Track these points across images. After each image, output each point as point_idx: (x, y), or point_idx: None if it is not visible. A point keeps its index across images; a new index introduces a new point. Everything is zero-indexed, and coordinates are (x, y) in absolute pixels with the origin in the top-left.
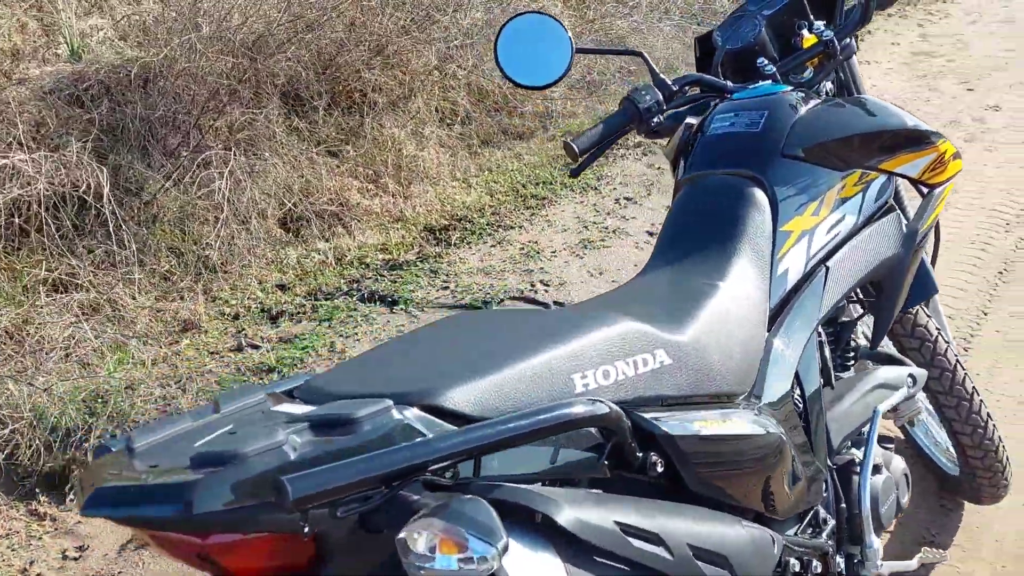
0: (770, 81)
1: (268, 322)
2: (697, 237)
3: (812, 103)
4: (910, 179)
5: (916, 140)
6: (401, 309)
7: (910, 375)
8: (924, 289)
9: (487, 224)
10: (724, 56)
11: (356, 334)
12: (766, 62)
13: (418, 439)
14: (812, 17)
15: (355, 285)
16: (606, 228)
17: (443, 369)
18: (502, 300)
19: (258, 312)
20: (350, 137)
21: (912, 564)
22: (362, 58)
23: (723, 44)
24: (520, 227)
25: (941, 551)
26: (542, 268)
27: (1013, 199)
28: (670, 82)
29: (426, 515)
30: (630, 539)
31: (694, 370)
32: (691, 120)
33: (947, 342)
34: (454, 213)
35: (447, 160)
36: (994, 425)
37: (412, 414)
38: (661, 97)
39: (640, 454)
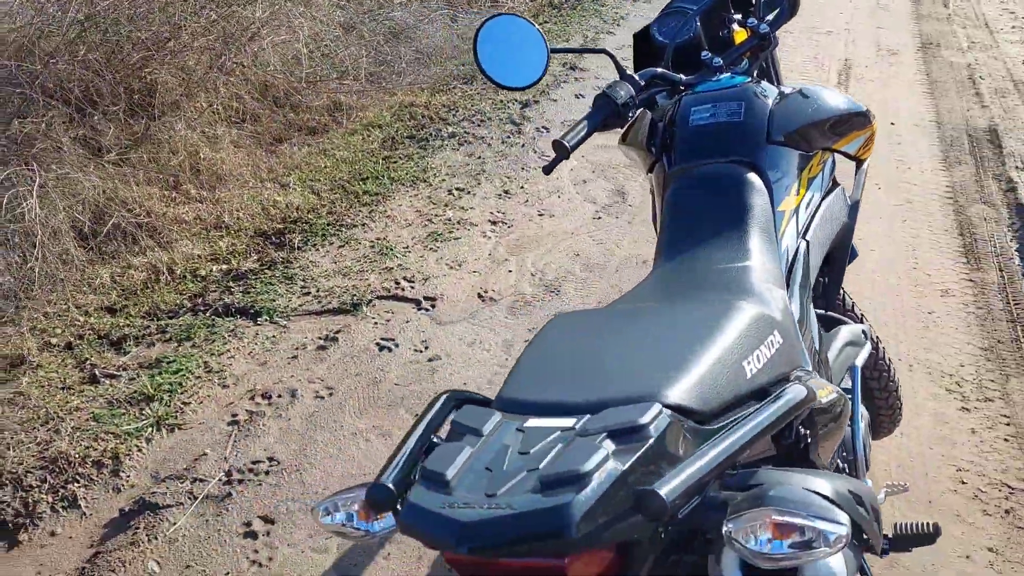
0: (728, 74)
1: (110, 348)
2: (710, 223)
3: (774, 93)
4: (849, 155)
5: (861, 121)
6: (266, 320)
7: (863, 331)
8: (853, 252)
9: (327, 224)
10: (659, 47)
11: (229, 351)
12: (711, 55)
13: (718, 436)
14: (733, 12)
15: (199, 300)
16: (449, 220)
17: (650, 370)
18: (370, 300)
19: (94, 339)
20: (141, 142)
21: (881, 497)
22: (143, 55)
23: (672, 40)
24: (362, 225)
25: (902, 484)
26: (400, 265)
27: None
28: (636, 77)
29: (747, 507)
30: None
31: (790, 346)
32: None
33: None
34: (283, 216)
35: (245, 160)
36: (895, 369)
37: (670, 415)
38: (634, 92)
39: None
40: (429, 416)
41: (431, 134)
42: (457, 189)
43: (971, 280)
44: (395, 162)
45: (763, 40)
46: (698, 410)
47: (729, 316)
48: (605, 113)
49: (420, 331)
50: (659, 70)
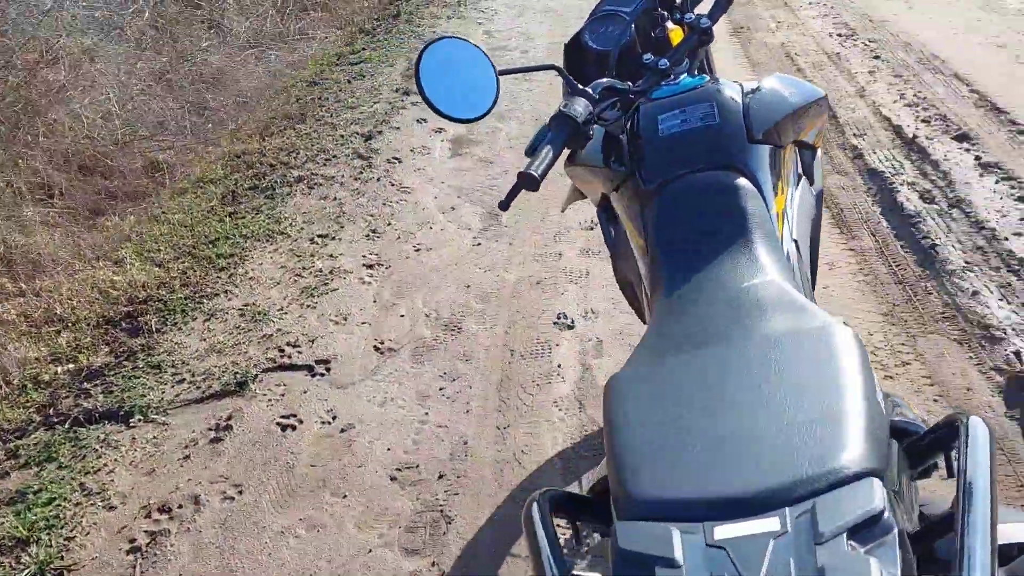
0: (685, 75)
1: None
2: (711, 238)
3: (738, 89)
4: (809, 145)
5: (822, 107)
6: (141, 420)
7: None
8: None
9: (184, 299)
10: (596, 56)
11: (105, 465)
12: (655, 58)
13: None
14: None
15: (51, 411)
16: (320, 271)
17: (808, 432)
18: (256, 376)
19: None
20: None
21: None
22: None
23: (615, 46)
24: (224, 292)
25: None
26: (279, 329)
27: None
28: (590, 90)
29: None
30: None
31: None
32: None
33: None
34: (128, 297)
35: (63, 241)
36: None
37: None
38: (591, 106)
39: None
40: (544, 537)
41: (275, 182)
42: (319, 236)
43: (851, 249)
44: (242, 218)
45: (704, 35)
46: (883, 468)
47: (830, 343)
48: (567, 133)
49: (322, 400)
50: (607, 80)
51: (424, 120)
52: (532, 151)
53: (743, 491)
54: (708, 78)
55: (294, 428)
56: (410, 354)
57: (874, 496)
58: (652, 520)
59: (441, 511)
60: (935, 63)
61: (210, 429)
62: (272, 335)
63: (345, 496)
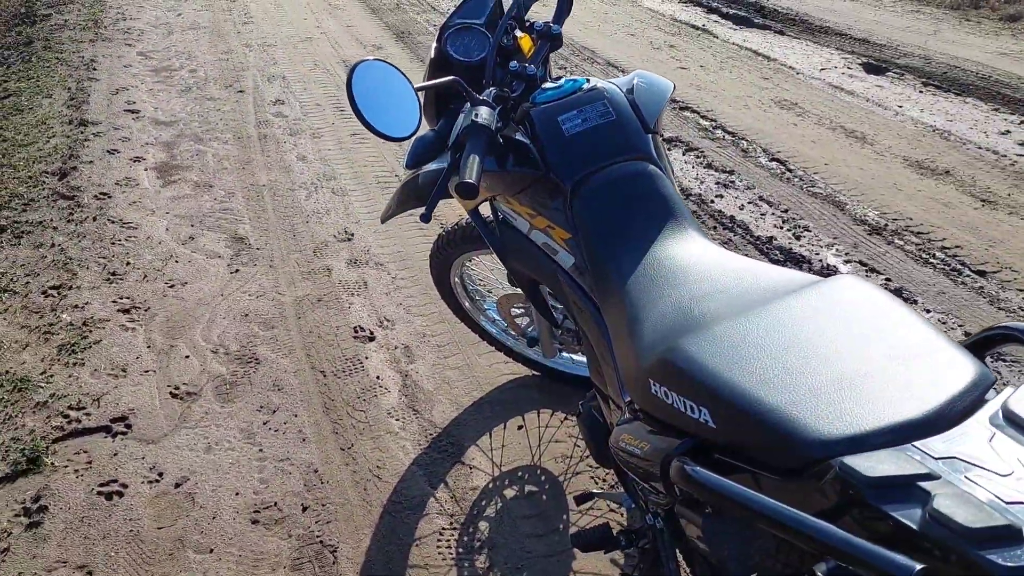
0: (563, 79)
1: None
2: (646, 222)
3: (616, 89)
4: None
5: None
6: None
7: None
8: None
9: None
10: (466, 68)
11: None
12: (524, 65)
13: None
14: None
15: None
16: (71, 324)
17: (928, 371)
18: (48, 448)
19: None
20: None
21: None
22: None
23: (491, 55)
24: None
25: None
26: (54, 395)
27: None
28: (488, 99)
29: None
30: None
31: None
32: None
33: None
34: None
35: None
36: None
37: None
38: (496, 113)
39: None
40: (722, 480)
41: None
42: (53, 288)
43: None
44: None
45: (556, 40)
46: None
47: (855, 294)
48: (485, 140)
49: (138, 459)
50: (494, 89)
51: (116, 151)
52: (459, 165)
53: (920, 413)
54: (585, 80)
55: (120, 494)
56: (214, 394)
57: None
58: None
59: (321, 542)
60: (586, 53)
61: (18, 515)
62: (47, 402)
63: (211, 551)
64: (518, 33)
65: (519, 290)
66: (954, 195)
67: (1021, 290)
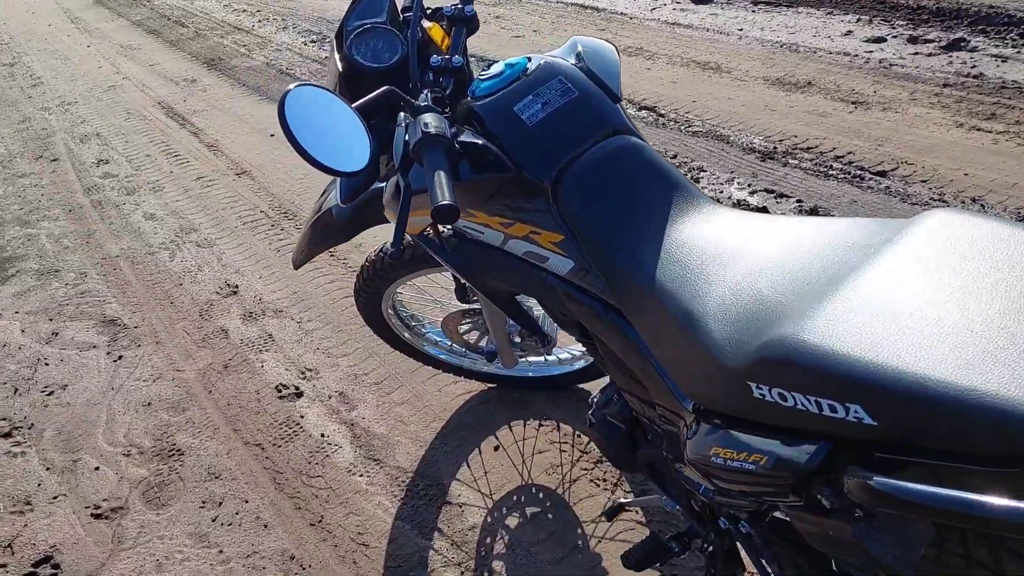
0: (500, 63)
1: None
2: (649, 202)
3: (562, 61)
4: None
5: None
6: None
7: None
8: None
9: None
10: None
11: None
12: (447, 57)
13: None
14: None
15: None
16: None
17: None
18: None
19: None
20: None
21: None
22: None
23: (411, 54)
24: None
25: None
26: None
27: None
28: (430, 105)
29: None
30: None
31: None
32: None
33: None
34: None
35: None
36: None
37: None
38: (446, 119)
39: None
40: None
41: None
42: None
43: None
44: None
45: (472, 22)
46: None
47: (959, 223)
48: (441, 152)
49: None
50: (427, 92)
51: None
52: (428, 188)
53: None
54: (526, 59)
55: None
56: (143, 503)
57: None
58: None
59: None
60: None
61: None
62: None
63: None
64: (425, 23)
65: (464, 306)
66: (826, 104)
67: (924, 181)
